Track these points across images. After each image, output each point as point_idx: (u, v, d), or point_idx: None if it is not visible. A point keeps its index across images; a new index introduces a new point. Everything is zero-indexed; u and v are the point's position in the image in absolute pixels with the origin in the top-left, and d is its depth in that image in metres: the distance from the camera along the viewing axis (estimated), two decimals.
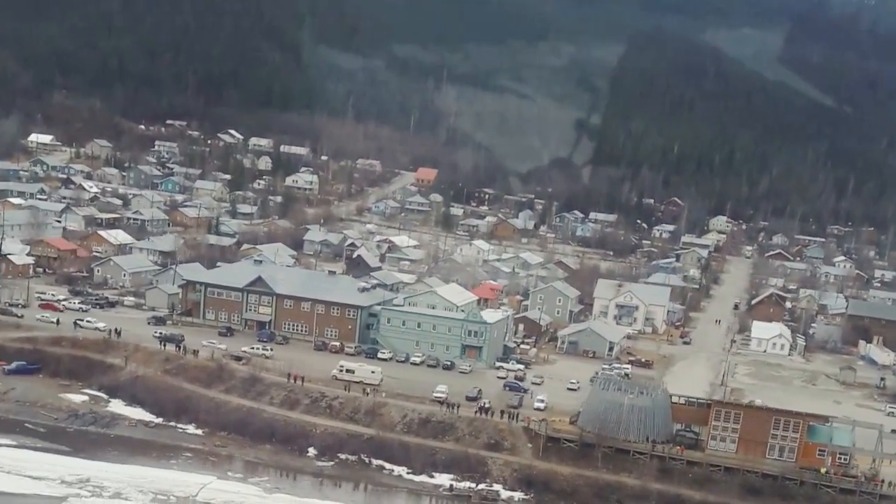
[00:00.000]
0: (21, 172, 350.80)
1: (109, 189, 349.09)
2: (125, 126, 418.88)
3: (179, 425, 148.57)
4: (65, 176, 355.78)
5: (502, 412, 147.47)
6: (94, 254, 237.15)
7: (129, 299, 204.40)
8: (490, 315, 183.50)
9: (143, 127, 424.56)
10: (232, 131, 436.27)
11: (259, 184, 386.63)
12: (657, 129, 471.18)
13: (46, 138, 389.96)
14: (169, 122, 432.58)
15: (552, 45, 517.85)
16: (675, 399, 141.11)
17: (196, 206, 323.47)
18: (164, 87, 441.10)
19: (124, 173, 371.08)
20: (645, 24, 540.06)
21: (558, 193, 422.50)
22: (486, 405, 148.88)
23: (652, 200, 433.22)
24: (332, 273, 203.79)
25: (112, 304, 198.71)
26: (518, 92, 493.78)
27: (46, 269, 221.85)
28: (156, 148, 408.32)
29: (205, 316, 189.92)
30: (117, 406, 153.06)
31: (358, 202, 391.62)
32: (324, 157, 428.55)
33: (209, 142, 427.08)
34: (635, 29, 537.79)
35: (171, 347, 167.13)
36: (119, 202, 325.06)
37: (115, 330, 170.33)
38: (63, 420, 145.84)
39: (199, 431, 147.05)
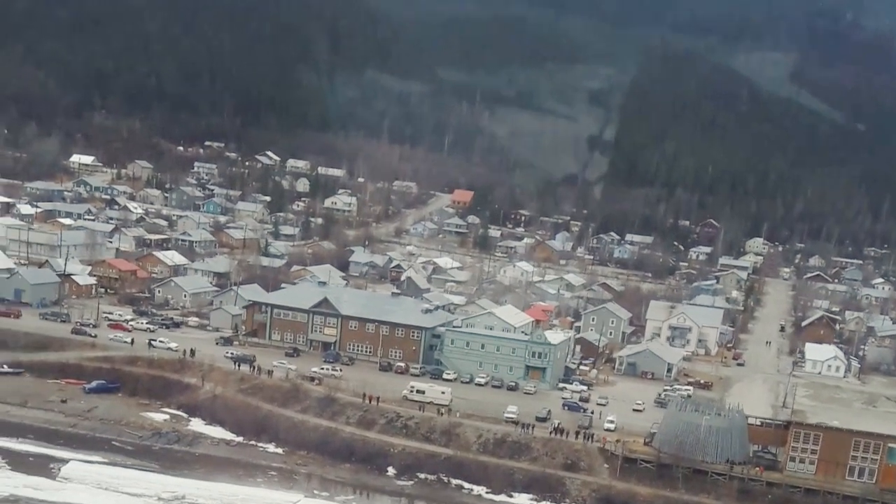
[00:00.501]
0: (65, 193, 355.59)
1: (152, 210, 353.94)
2: (164, 147, 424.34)
3: (260, 444, 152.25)
4: (108, 196, 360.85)
5: (576, 433, 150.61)
6: (153, 275, 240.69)
7: (193, 320, 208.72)
8: (553, 336, 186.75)
9: (181, 148, 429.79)
10: (269, 153, 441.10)
11: (298, 205, 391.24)
12: (690, 151, 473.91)
13: (88, 159, 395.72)
14: (207, 143, 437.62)
15: (586, 67, 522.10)
16: (750, 420, 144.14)
17: (241, 228, 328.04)
18: (202, 109, 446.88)
19: (166, 194, 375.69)
20: (676, 47, 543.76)
21: (593, 215, 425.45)
22: (560, 425, 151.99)
23: (687, 222, 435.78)
24: (394, 295, 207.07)
25: (177, 325, 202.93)
26: (552, 113, 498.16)
27: (108, 290, 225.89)
28: (195, 169, 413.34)
29: (271, 336, 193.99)
30: (198, 425, 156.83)
31: (396, 224, 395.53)
32: (360, 179, 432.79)
33: (247, 163, 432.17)
34: (667, 52, 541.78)
35: (244, 367, 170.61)
36: (165, 223, 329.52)
37: (190, 350, 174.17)
38: (148, 438, 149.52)
39: (280, 450, 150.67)
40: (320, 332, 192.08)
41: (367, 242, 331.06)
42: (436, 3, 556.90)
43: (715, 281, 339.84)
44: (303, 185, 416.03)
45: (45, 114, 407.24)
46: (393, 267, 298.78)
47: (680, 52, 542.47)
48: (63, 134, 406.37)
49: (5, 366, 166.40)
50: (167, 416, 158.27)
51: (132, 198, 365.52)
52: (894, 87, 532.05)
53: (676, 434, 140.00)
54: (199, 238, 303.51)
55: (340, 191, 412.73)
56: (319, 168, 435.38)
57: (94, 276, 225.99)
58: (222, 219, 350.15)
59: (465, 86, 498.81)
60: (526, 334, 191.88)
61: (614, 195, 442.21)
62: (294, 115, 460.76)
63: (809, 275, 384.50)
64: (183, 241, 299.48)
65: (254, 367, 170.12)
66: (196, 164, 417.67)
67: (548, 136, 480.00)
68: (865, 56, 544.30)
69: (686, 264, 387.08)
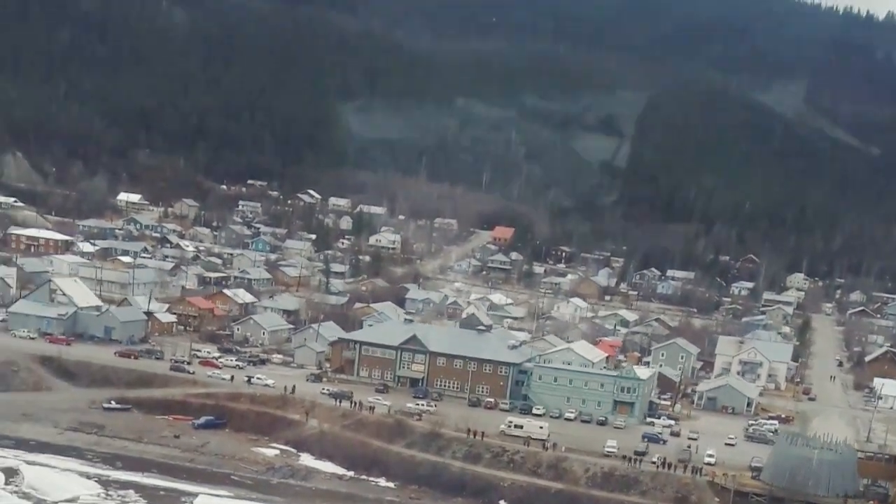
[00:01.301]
0: (117, 231, 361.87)
1: (203, 248, 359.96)
2: (207, 185, 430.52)
3: (371, 478, 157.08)
4: (159, 235, 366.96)
5: (682, 467, 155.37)
6: (228, 312, 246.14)
7: (277, 357, 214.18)
8: (641, 372, 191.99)
9: (224, 187, 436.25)
10: (311, 191, 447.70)
11: (343, 243, 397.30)
12: (727, 186, 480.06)
13: (135, 197, 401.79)
14: (250, 181, 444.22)
15: (620, 102, 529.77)
16: (860, 454, 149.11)
17: (294, 266, 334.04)
18: (243, 147, 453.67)
19: (215, 233, 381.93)
20: (710, 82, 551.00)
21: (633, 251, 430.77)
22: (666, 459, 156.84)
23: (727, 257, 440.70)
24: (480, 331, 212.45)
25: (263, 362, 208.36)
26: (587, 149, 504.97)
27: (186, 327, 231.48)
28: (240, 208, 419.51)
29: (359, 373, 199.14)
30: (308, 460, 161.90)
31: (439, 261, 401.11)
32: (401, 217, 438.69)
33: (289, 202, 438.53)
34: (701, 87, 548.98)
35: (344, 404, 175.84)
36: (219, 261, 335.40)
37: (292, 387, 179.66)
38: (264, 473, 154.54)
39: (391, 484, 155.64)
40: (408, 368, 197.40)
41: (421, 280, 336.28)
42: (469, 41, 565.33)
43: (762, 316, 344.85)
44: (346, 223, 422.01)
45: (90, 152, 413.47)
46: (449, 304, 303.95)
47: (713, 87, 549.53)
48: (109, 172, 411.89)
49: (113, 402, 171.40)
50: (277, 452, 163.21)
51: (182, 236, 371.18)
52: None
53: (787, 468, 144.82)
54: (258, 276, 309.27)
55: (383, 228, 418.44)
56: (360, 206, 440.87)
57: (174, 313, 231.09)
58: (272, 257, 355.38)
59: (501, 122, 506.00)
60: (605, 369, 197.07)
61: (652, 231, 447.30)
62: (333, 153, 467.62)
63: (853, 310, 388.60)
64: (241, 279, 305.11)
65: (354, 404, 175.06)
66: (240, 202, 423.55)
67: (584, 172, 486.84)
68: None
69: (729, 299, 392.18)
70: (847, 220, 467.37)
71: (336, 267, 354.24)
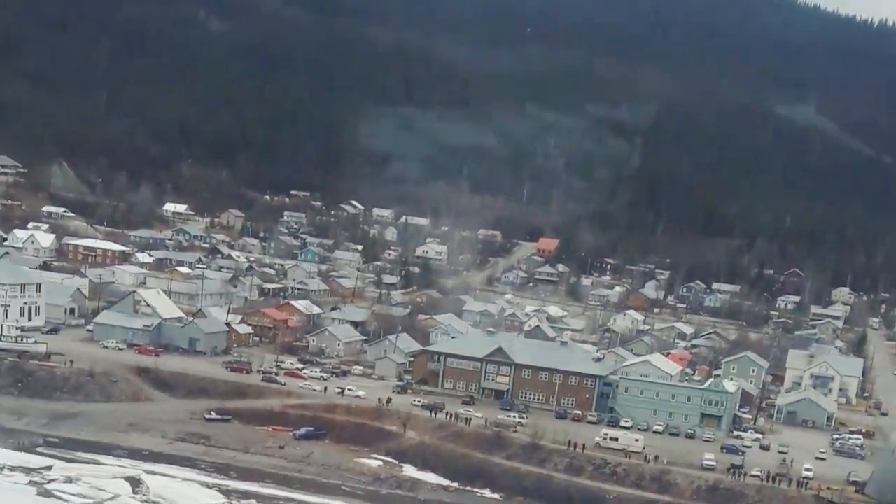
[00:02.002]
0: (167, 241, 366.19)
1: (252, 259, 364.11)
2: (251, 196, 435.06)
3: (476, 489, 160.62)
4: (208, 245, 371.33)
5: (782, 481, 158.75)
6: (295, 323, 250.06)
7: (357, 368, 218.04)
8: (729, 385, 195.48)
9: (267, 197, 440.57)
10: (354, 202, 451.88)
11: (389, 254, 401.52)
12: (766, 201, 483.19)
13: (181, 207, 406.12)
14: (293, 192, 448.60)
15: (655, 115, 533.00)
16: None
17: (348, 277, 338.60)
18: (285, 158, 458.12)
19: (263, 244, 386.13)
20: (745, 97, 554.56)
21: (677, 264, 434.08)
22: (771, 472, 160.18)
23: (772, 271, 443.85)
24: (563, 343, 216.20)
25: (344, 374, 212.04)
26: (623, 160, 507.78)
27: (262, 339, 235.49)
28: (284, 218, 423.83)
29: (443, 385, 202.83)
30: (410, 471, 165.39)
31: (486, 272, 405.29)
32: (444, 228, 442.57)
33: (332, 212, 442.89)
34: (738, 104, 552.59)
35: (439, 415, 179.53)
36: (272, 272, 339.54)
37: (387, 399, 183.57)
38: (371, 483, 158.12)
39: (497, 496, 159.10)
40: (493, 380, 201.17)
41: (475, 292, 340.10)
42: (503, 52, 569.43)
43: (814, 330, 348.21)
44: (390, 234, 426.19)
45: (134, 163, 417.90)
46: (507, 316, 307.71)
47: (748, 101, 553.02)
48: (153, 183, 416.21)
49: (213, 412, 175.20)
50: (380, 463, 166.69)
51: (231, 247, 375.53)
52: None
53: (894, 482, 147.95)
54: (315, 287, 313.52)
55: (427, 239, 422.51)
56: (403, 217, 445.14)
57: (250, 324, 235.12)
58: (321, 268, 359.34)
59: (539, 133, 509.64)
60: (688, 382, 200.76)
61: (694, 244, 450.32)
62: (373, 164, 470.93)
63: None
64: (299, 289, 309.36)
65: (449, 415, 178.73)
66: (285, 213, 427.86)
67: (622, 184, 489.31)
68: None
69: (776, 313, 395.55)
70: (888, 235, 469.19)
71: (387, 278, 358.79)
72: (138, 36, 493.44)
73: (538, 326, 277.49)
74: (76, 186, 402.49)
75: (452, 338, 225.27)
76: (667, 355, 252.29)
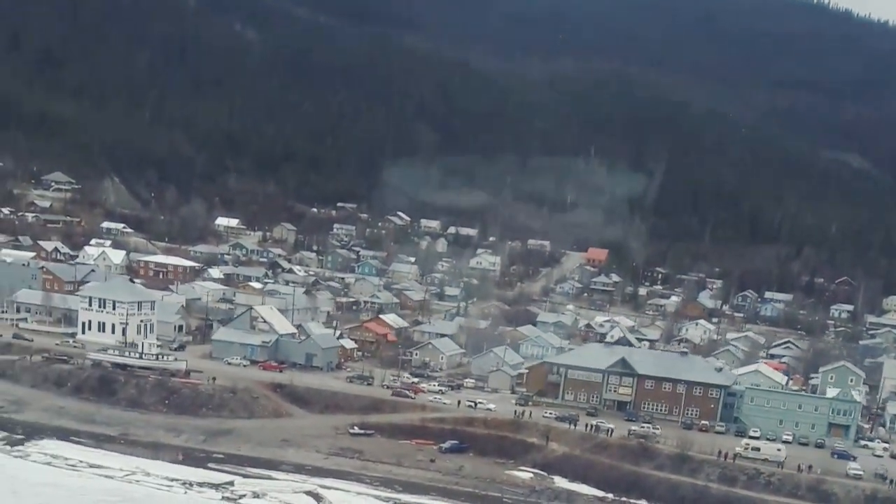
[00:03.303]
0: (226, 256, 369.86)
1: (311, 272, 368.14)
2: (299, 209, 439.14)
3: (632, 500, 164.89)
4: (265, 259, 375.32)
5: None
6: (393, 338, 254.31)
7: (469, 381, 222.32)
8: (856, 394, 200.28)
9: (315, 210, 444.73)
10: (400, 213, 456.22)
11: (442, 265, 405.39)
12: (809, 207, 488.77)
13: (233, 221, 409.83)
14: (340, 204, 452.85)
15: (694, 124, 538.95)
16: None
17: (413, 289, 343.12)
18: (328, 170, 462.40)
19: (320, 257, 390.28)
20: (782, 103, 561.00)
21: (725, 272, 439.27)
22: None
23: (822, 280, 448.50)
24: (683, 354, 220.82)
25: (458, 387, 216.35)
26: (664, 170, 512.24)
27: (365, 353, 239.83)
28: (335, 231, 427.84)
29: (563, 396, 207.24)
30: (562, 482, 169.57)
31: (541, 282, 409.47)
32: (491, 238, 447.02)
33: (380, 224, 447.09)
34: (771, 107, 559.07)
35: (577, 427, 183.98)
36: (338, 286, 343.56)
37: (522, 411, 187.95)
38: (528, 496, 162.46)
39: None
40: (615, 391, 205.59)
41: (546, 303, 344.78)
42: (538, 60, 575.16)
43: (880, 339, 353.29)
44: (441, 246, 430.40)
45: (181, 177, 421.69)
46: (582, 326, 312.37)
47: (786, 108, 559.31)
48: (201, 197, 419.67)
49: (356, 427, 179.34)
50: (531, 475, 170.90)
51: (288, 260, 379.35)
52: None
53: None
54: (387, 300, 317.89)
55: (479, 250, 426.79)
56: (450, 227, 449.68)
57: (353, 339, 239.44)
58: (380, 280, 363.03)
59: (579, 142, 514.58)
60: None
61: (741, 252, 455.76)
62: (415, 174, 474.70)
63: None
64: (372, 303, 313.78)
65: (590, 427, 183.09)
66: (335, 225, 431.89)
67: (665, 192, 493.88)
68: None
69: (832, 322, 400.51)
70: None
71: (449, 290, 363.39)
72: (176, 48, 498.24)
73: (624, 336, 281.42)
74: (129, 202, 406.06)
75: (567, 350, 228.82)
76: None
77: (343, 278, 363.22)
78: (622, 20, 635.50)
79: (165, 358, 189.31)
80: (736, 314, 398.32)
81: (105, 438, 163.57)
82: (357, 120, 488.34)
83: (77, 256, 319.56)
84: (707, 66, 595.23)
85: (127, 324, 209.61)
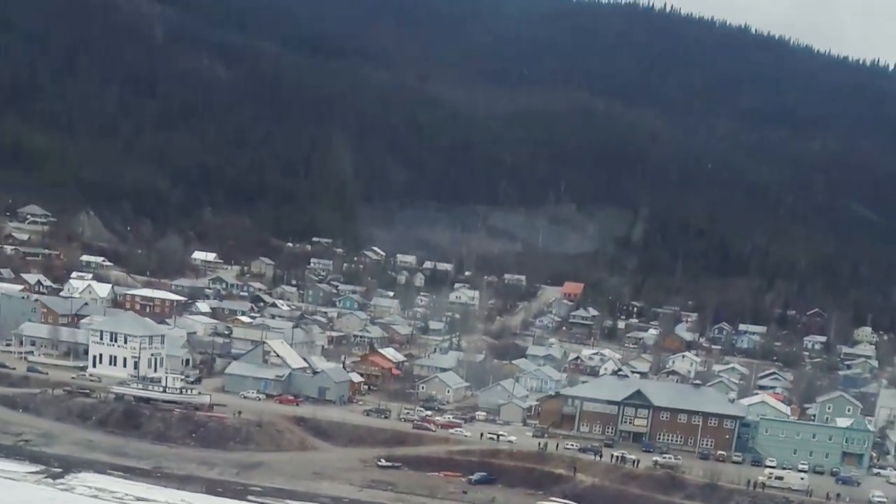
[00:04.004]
0: (206, 290, 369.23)
1: (294, 307, 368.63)
2: (275, 243, 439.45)
3: None
4: (246, 294, 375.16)
5: None
6: (397, 371, 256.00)
7: (481, 414, 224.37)
8: (869, 424, 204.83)
9: (290, 244, 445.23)
10: (375, 248, 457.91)
11: (422, 300, 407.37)
12: (779, 240, 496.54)
13: (210, 256, 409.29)
14: (315, 239, 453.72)
15: (660, 156, 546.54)
16: None
17: (399, 324, 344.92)
18: (302, 204, 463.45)
19: (301, 291, 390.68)
20: (746, 136, 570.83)
21: (700, 305, 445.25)
22: None
23: (794, 312, 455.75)
24: (695, 386, 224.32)
25: (470, 420, 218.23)
26: (632, 204, 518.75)
27: (370, 387, 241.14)
28: (312, 265, 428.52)
29: (579, 428, 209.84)
30: None
31: (518, 316, 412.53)
32: (467, 273, 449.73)
33: (355, 258, 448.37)
34: (737, 140, 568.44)
35: (601, 458, 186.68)
36: (324, 320, 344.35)
37: (545, 444, 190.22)
38: None
39: None
40: (630, 423, 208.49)
41: (533, 336, 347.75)
42: (503, 94, 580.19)
43: (859, 370, 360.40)
44: (419, 280, 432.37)
45: (156, 210, 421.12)
46: (571, 360, 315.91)
47: (751, 142, 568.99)
48: (176, 231, 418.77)
49: (383, 460, 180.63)
50: None
51: (269, 294, 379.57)
52: None
53: None
54: (377, 335, 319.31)
55: (456, 285, 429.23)
56: (426, 262, 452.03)
57: (359, 373, 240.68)
58: (366, 315, 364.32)
59: (549, 176, 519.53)
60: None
61: (713, 285, 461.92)
62: (388, 209, 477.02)
63: None
64: (362, 337, 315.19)
65: (616, 458, 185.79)
66: (312, 260, 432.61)
67: (635, 228, 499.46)
68: None
69: (807, 353, 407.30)
70: None
71: (433, 324, 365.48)
72: (145, 81, 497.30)
73: (620, 370, 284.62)
74: (104, 235, 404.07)
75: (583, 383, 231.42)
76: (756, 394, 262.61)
77: (326, 312, 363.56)
78: (586, 53, 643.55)
79: (189, 392, 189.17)
80: (713, 346, 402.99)
81: (140, 472, 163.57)
82: (329, 154, 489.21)
83: (60, 289, 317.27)
84: (672, 99, 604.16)
85: (139, 357, 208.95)
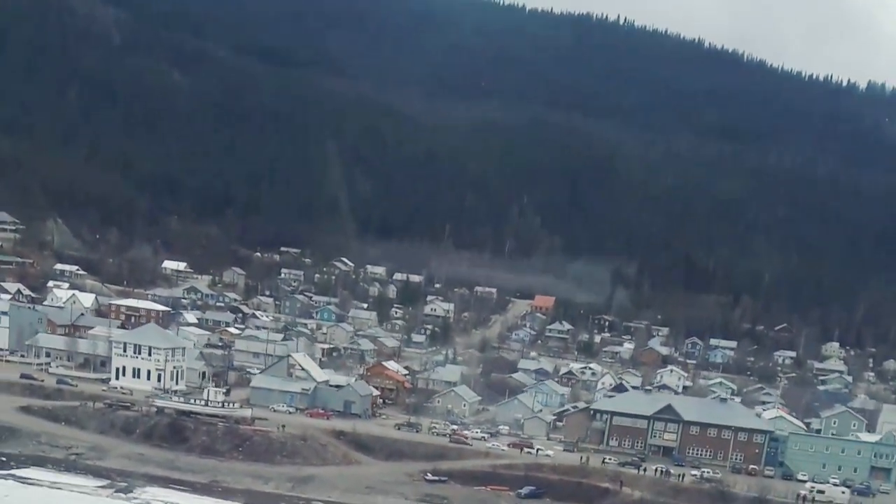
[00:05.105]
0: (183, 300, 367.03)
1: (272, 318, 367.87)
2: (242, 253, 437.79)
3: None
4: (223, 304, 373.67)
5: None
6: (409, 384, 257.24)
7: (504, 428, 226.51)
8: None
9: (258, 254, 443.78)
10: (344, 259, 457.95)
11: (396, 312, 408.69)
12: (742, 256, 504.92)
13: (181, 265, 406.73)
14: (283, 249, 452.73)
15: (622, 170, 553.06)
16: None
17: (385, 337, 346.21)
18: (268, 213, 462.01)
19: (277, 302, 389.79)
20: (708, 151, 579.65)
21: (668, 319, 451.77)
22: None
23: (762, 327, 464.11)
24: (722, 401, 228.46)
25: (495, 434, 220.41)
26: (597, 218, 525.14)
27: (385, 400, 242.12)
28: (283, 276, 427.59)
29: (608, 442, 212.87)
30: None
31: (494, 329, 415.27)
32: (437, 285, 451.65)
33: (324, 269, 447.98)
34: (696, 154, 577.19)
35: (645, 471, 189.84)
36: (309, 332, 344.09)
37: (586, 458, 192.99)
38: None
39: None
40: (660, 437, 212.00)
41: (520, 351, 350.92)
42: (461, 106, 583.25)
43: (823, 385, 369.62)
44: (391, 292, 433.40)
45: (123, 219, 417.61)
46: (563, 374, 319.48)
47: (712, 157, 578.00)
48: (143, 240, 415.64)
49: (429, 474, 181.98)
50: None
51: (246, 305, 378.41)
52: None
53: None
54: (367, 347, 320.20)
55: (430, 297, 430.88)
56: (395, 274, 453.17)
57: (375, 386, 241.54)
58: (349, 327, 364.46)
59: (513, 189, 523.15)
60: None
61: (680, 300, 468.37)
62: (353, 220, 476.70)
63: None
64: (354, 350, 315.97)
65: (660, 471, 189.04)
66: (283, 270, 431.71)
67: (600, 241, 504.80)
68: (888, 161, 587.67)
69: (779, 368, 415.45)
70: (863, 288, 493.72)
71: (416, 337, 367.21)
72: (103, 87, 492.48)
73: (622, 383, 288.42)
74: (72, 243, 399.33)
75: (610, 396, 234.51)
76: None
77: (306, 324, 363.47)
78: (542, 65, 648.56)
79: (232, 405, 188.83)
80: (688, 361, 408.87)
81: (201, 487, 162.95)
82: (293, 164, 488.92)
83: (40, 298, 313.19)
84: (630, 112, 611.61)
85: (164, 369, 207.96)
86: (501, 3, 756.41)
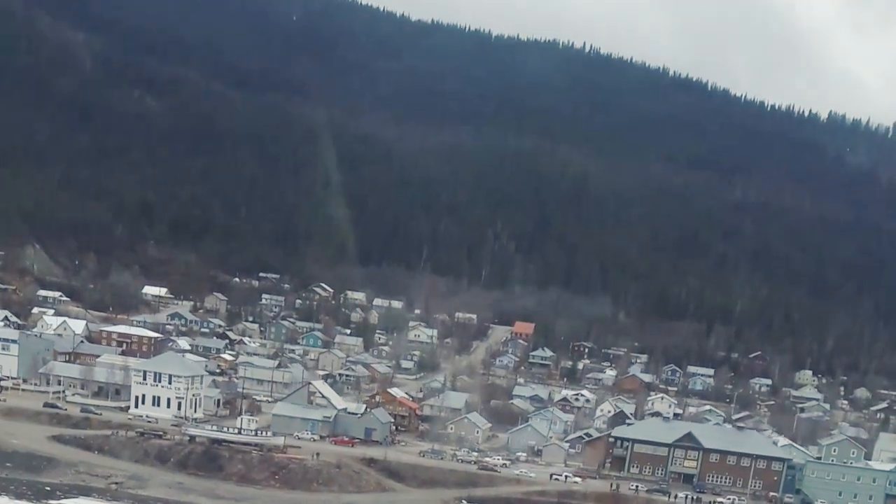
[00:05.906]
0: (167, 326, 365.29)
1: (259, 343, 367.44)
2: (221, 279, 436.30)
3: None
4: (207, 330, 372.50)
5: None
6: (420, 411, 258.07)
7: (521, 454, 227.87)
8: None
9: (238, 280, 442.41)
10: (323, 285, 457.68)
11: (380, 338, 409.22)
12: (713, 286, 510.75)
13: (162, 291, 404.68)
14: (262, 274, 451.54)
15: (592, 199, 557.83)
16: None
17: (374, 362, 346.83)
18: (246, 239, 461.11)
19: (262, 328, 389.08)
20: (675, 181, 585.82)
21: (645, 347, 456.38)
22: None
23: (736, 355, 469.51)
24: (740, 429, 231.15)
25: (515, 461, 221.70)
26: (569, 247, 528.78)
27: (398, 427, 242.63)
28: (264, 301, 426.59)
29: (629, 469, 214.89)
30: None
31: (477, 356, 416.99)
32: (417, 311, 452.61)
33: (303, 295, 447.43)
34: (665, 183, 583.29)
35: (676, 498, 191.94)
36: (299, 358, 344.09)
37: (616, 485, 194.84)
38: None
39: None
40: (681, 464, 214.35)
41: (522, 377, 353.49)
42: (432, 131, 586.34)
43: (801, 412, 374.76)
44: (373, 318, 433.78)
45: (101, 244, 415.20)
46: (559, 400, 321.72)
47: (678, 187, 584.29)
48: (121, 265, 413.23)
49: (465, 501, 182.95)
50: None
51: (230, 331, 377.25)
52: (886, 221, 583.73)
53: None
54: (362, 373, 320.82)
55: (412, 323, 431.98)
56: (375, 300, 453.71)
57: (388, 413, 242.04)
58: (341, 354, 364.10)
59: (487, 215, 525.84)
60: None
61: (654, 328, 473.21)
62: (329, 246, 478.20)
63: (877, 407, 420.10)
64: (348, 376, 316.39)
65: (691, 498, 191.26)
66: (264, 296, 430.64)
67: (574, 269, 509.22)
68: (852, 191, 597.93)
69: (756, 395, 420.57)
70: (832, 317, 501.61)
71: (405, 364, 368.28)
72: (77, 113, 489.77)
73: (622, 411, 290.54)
74: (51, 269, 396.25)
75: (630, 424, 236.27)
76: None
77: (293, 350, 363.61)
78: (510, 92, 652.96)
79: (264, 434, 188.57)
80: (669, 388, 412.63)
81: None
82: (269, 189, 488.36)
83: (25, 325, 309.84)
84: (598, 140, 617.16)
85: (184, 398, 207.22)
86: (468, 29, 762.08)
